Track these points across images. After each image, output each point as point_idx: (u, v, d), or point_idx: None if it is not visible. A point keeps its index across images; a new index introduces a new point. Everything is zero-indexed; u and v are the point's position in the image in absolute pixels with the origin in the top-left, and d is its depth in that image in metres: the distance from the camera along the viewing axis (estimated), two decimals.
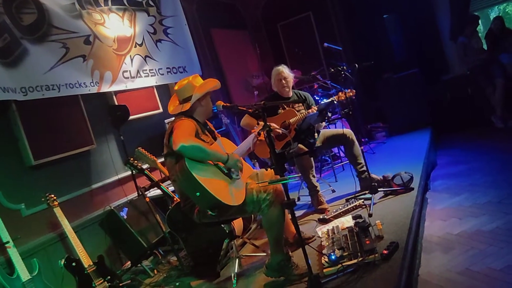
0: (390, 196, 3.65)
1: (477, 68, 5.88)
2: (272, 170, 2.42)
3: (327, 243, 2.82)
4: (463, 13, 6.59)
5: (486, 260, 2.55)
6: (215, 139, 2.85)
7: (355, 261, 2.49)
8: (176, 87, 2.87)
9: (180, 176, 2.45)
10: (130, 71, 4.38)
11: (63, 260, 3.02)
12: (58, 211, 3.21)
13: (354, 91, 3.89)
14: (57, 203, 3.24)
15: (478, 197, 3.55)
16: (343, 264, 2.48)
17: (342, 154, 5.34)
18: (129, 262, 3.66)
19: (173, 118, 2.87)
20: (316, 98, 5.33)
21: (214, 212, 2.45)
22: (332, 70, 3.92)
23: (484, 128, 5.89)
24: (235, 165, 2.62)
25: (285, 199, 2.37)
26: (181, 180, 2.46)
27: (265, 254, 3.06)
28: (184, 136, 2.47)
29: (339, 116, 4.82)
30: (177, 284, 3.00)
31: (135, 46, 4.53)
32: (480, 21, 6.25)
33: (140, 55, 4.56)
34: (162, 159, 3.27)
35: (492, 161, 4.46)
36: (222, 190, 2.45)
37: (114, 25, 4.30)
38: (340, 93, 3.90)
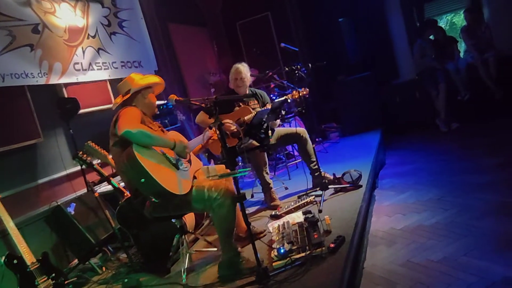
0: (339, 193, 3.76)
1: (425, 72, 6.20)
2: (223, 165, 2.44)
3: (277, 238, 2.88)
4: (420, 18, 6.95)
5: (425, 253, 2.70)
6: (162, 132, 2.85)
7: (303, 254, 2.56)
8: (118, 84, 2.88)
9: (127, 163, 2.43)
10: (81, 63, 4.25)
11: (3, 258, 2.88)
12: None
13: (307, 89, 3.99)
14: None
15: (421, 195, 3.76)
16: (292, 257, 2.55)
17: (296, 153, 5.45)
18: (76, 260, 3.54)
19: None
20: (273, 97, 5.39)
21: (158, 200, 2.43)
22: (287, 68, 4.00)
23: (430, 131, 6.21)
24: (182, 151, 2.64)
25: (236, 194, 2.39)
26: (127, 167, 2.44)
27: (216, 249, 3.07)
28: (129, 122, 2.47)
29: (293, 115, 4.93)
30: (126, 280, 2.94)
31: (88, 38, 4.40)
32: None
33: (93, 47, 4.43)
34: None
35: (435, 162, 4.72)
36: (167, 178, 2.45)
37: (65, 14, 4.16)
38: (294, 92, 3.98)
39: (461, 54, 6.58)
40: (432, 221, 3.15)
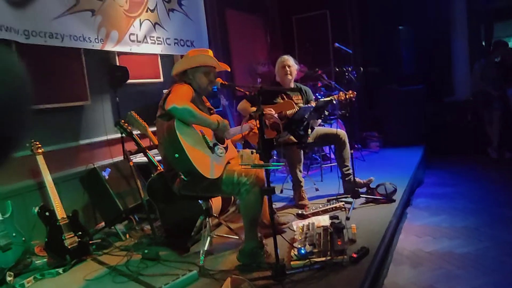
0: (371, 204, 3.67)
1: (480, 95, 5.89)
2: (257, 154, 2.42)
3: (300, 237, 2.84)
4: (487, 37, 6.60)
5: (451, 281, 2.58)
6: (210, 114, 2.85)
7: (323, 259, 2.51)
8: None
9: (166, 135, 2.46)
10: (137, 34, 4.34)
11: (37, 208, 3.02)
12: (40, 159, 3.19)
13: (355, 93, 3.90)
14: (41, 151, 3.22)
15: (456, 221, 3.60)
16: (311, 259, 2.50)
17: (332, 156, 5.35)
18: (103, 223, 3.65)
19: None
20: (319, 96, 5.31)
21: (187, 178, 2.45)
22: (337, 69, 3.92)
23: (478, 157, 5.91)
24: (223, 132, 2.63)
25: (265, 186, 2.37)
26: (165, 139, 2.47)
27: (237, 237, 3.07)
28: (179, 98, 2.49)
29: (336, 117, 4.84)
30: (146, 251, 3.01)
31: (147, 11, 4.49)
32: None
33: (150, 21, 4.51)
34: (154, 128, 3.26)
35: (477, 189, 4.50)
36: (201, 160, 2.46)
37: None
38: (340, 93, 3.90)
39: None
40: (464, 250, 3.00)
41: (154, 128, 3.00)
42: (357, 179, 3.90)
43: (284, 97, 3.97)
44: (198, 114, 2.53)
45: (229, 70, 2.98)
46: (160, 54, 4.78)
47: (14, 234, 2.90)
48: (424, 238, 3.29)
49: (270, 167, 2.30)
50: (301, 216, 3.47)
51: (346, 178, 3.92)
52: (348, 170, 3.89)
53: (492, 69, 5.85)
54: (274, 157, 4.92)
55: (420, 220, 3.70)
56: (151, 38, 4.52)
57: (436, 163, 5.87)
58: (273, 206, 2.51)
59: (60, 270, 2.93)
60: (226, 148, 2.78)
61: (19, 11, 3.18)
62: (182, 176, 2.48)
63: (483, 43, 6.74)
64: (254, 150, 2.47)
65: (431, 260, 2.89)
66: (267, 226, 3.01)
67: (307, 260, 2.50)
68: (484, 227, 3.39)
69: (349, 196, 3.78)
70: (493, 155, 5.80)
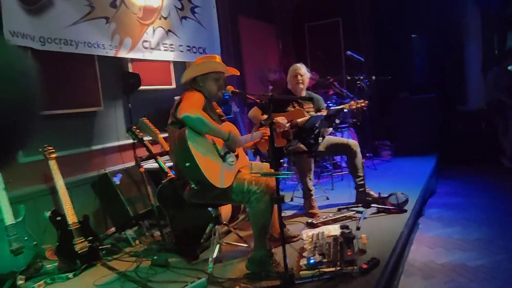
0: (382, 214, 3.63)
1: (494, 103, 5.82)
2: (267, 164, 2.41)
3: (309, 247, 2.82)
4: (500, 45, 6.54)
5: None
6: (221, 122, 2.86)
7: (333, 269, 2.48)
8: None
9: (177, 143, 2.46)
10: (150, 41, 4.39)
11: (49, 212, 3.05)
12: (53, 164, 3.22)
13: (366, 102, 3.87)
14: (53, 156, 3.25)
15: (469, 232, 3.53)
16: (320, 270, 2.48)
17: (343, 164, 5.32)
18: (113, 228, 3.67)
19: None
20: (330, 104, 5.30)
21: (197, 187, 2.46)
22: (349, 77, 3.91)
23: (492, 166, 5.82)
24: (233, 145, 2.61)
25: (275, 194, 2.36)
26: (177, 146, 2.47)
27: (246, 245, 3.06)
28: (192, 107, 2.49)
29: (347, 125, 4.81)
30: (155, 257, 3.01)
31: (160, 18, 4.54)
32: None
33: (163, 28, 4.56)
34: (165, 135, 3.28)
35: (491, 200, 4.42)
36: (212, 169, 2.46)
37: None
38: (352, 102, 3.88)
39: None
40: (477, 263, 2.94)
41: (166, 135, 3.02)
42: (372, 192, 3.86)
43: (295, 105, 3.96)
44: (210, 124, 2.52)
45: (238, 74, 2.98)
46: (172, 61, 4.82)
47: (26, 238, 2.93)
48: (436, 249, 3.24)
49: (280, 176, 2.29)
50: (311, 225, 3.45)
51: (360, 189, 3.87)
52: (361, 180, 3.86)
53: (505, 78, 5.78)
54: (285, 165, 4.91)
55: (432, 231, 3.65)
56: (164, 45, 4.57)
57: (449, 173, 5.79)
58: (283, 214, 2.50)
59: (70, 275, 2.94)
60: (237, 157, 2.78)
61: (35, 18, 3.25)
62: (192, 185, 2.49)
63: (496, 52, 6.66)
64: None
65: (443, 272, 2.84)
66: (277, 239, 2.99)
67: (316, 270, 2.48)
68: (498, 239, 3.33)
69: (360, 205, 3.74)
70: (507, 165, 5.72)
